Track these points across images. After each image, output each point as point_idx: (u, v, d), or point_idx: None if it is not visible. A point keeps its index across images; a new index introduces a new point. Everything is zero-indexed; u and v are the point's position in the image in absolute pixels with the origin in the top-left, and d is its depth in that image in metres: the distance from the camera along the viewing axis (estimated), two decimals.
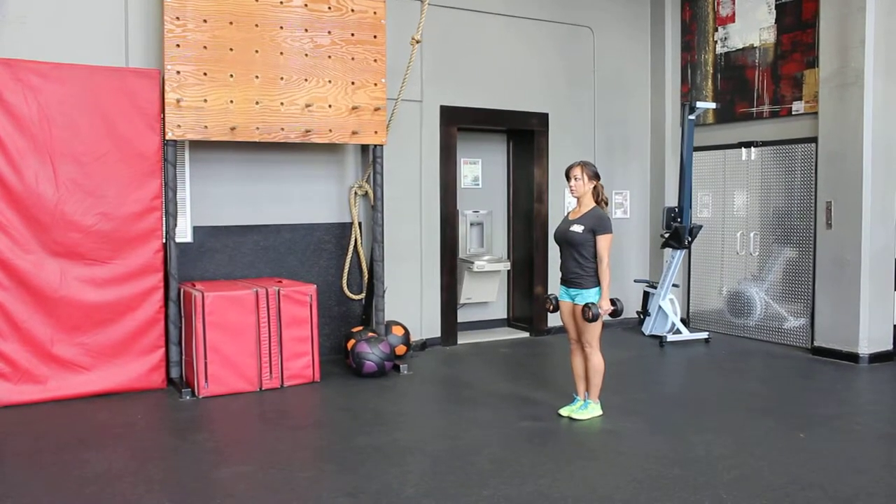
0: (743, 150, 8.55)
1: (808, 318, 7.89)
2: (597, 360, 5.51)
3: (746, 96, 8.51)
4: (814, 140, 7.75)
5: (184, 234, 6.76)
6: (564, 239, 5.47)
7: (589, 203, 5.47)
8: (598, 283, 5.37)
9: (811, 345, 7.75)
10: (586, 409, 5.56)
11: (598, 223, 5.36)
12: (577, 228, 5.38)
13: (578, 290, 5.41)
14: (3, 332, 5.86)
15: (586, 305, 5.28)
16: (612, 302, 5.38)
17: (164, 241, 6.37)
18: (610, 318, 5.50)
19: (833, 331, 7.50)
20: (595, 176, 5.47)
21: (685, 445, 4.95)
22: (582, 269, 5.38)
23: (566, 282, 5.51)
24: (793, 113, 8.03)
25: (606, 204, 5.56)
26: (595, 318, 5.26)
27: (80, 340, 6.09)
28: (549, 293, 5.53)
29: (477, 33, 8.27)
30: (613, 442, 5.03)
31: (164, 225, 6.37)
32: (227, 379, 6.16)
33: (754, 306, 8.42)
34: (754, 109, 8.43)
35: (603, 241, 5.33)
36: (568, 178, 5.51)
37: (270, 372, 6.33)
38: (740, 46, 8.57)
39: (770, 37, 8.24)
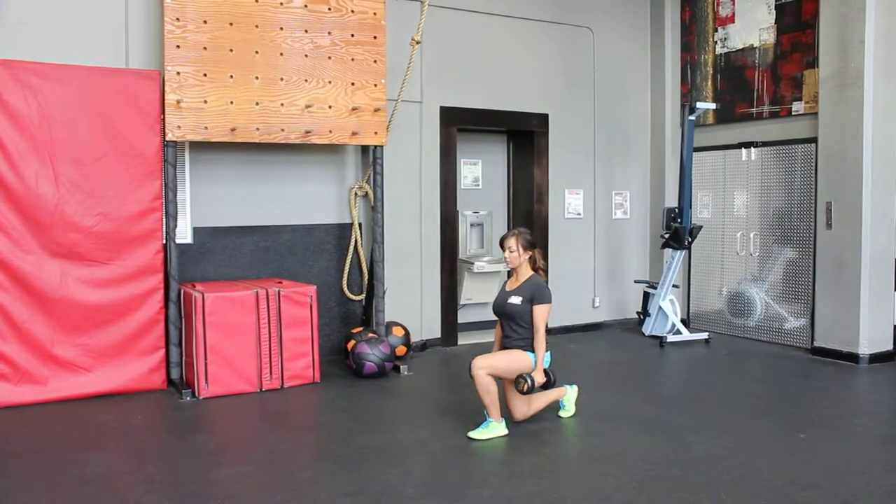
0: (743, 150, 8.55)
1: (808, 318, 7.89)
2: (538, 406, 5.48)
3: (746, 97, 8.51)
4: (814, 140, 7.75)
5: (184, 234, 6.76)
6: (503, 312, 5.35)
7: (526, 273, 5.36)
8: (532, 350, 5.22)
9: (811, 345, 7.75)
10: (486, 428, 5.19)
11: (535, 293, 5.24)
12: (516, 300, 5.27)
13: None
14: (3, 333, 5.87)
15: (521, 377, 5.11)
16: (546, 374, 5.21)
17: (164, 241, 6.38)
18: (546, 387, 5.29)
19: (833, 331, 7.50)
20: (530, 245, 5.35)
21: (685, 446, 4.95)
22: (521, 339, 5.28)
23: (504, 348, 5.41)
24: (793, 113, 8.03)
25: (545, 272, 5.48)
26: (531, 391, 5.10)
27: (80, 341, 6.09)
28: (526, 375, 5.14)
29: (477, 34, 8.28)
30: (613, 442, 5.03)
31: (164, 226, 6.37)
32: (228, 380, 6.16)
33: (754, 307, 8.42)
34: (754, 110, 8.43)
35: (540, 312, 5.21)
36: (502, 248, 5.39)
37: (270, 373, 6.33)
38: (740, 47, 8.57)
39: (770, 37, 8.24)
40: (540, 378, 5.15)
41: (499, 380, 5.25)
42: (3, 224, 5.85)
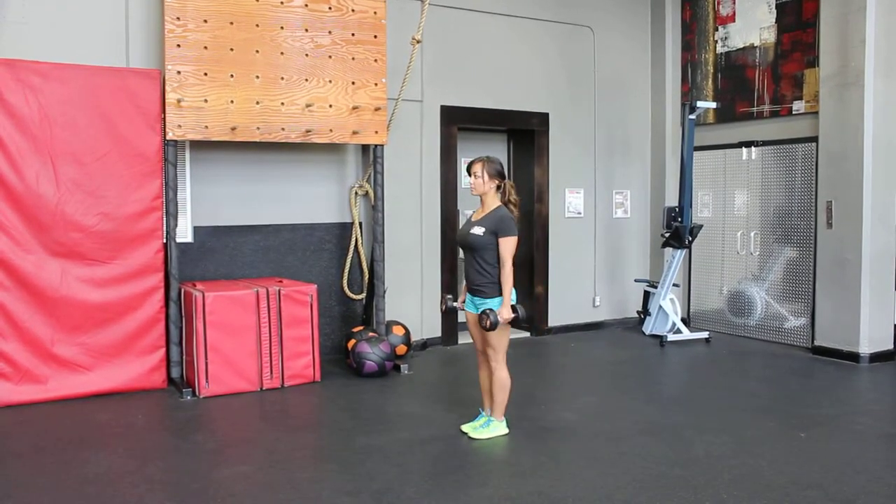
0: (743, 149, 8.55)
1: (808, 317, 7.89)
2: (502, 376, 5.07)
3: (747, 96, 8.51)
4: (814, 140, 7.75)
5: (184, 234, 6.76)
6: (465, 243, 5.04)
7: (492, 203, 5.01)
8: (500, 293, 4.92)
9: (812, 344, 7.75)
10: (487, 428, 5.11)
11: (499, 224, 4.89)
12: (478, 231, 4.93)
13: (483, 300, 4.97)
14: (3, 332, 5.87)
15: (483, 312, 4.85)
16: (514, 309, 4.89)
17: (164, 241, 6.38)
18: (525, 326, 5.08)
19: (833, 330, 7.50)
20: (498, 174, 5.00)
21: (686, 445, 4.95)
22: (484, 276, 4.93)
23: (471, 290, 5.07)
24: (793, 112, 8.02)
25: (517, 206, 5.05)
26: (493, 327, 4.80)
27: (81, 340, 6.09)
28: (447, 294, 5.07)
29: (477, 33, 8.27)
30: (614, 442, 5.03)
31: (164, 225, 6.38)
32: (228, 379, 6.16)
33: (755, 306, 8.42)
34: (755, 109, 8.43)
35: (505, 244, 4.87)
36: (468, 173, 5.07)
37: (271, 372, 6.33)
38: (741, 46, 8.57)
39: (770, 36, 8.24)
40: (507, 314, 4.84)
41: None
42: (3, 224, 5.85)
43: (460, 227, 5.17)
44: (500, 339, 5.00)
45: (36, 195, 5.93)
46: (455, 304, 5.24)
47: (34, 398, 5.90)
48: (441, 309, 5.19)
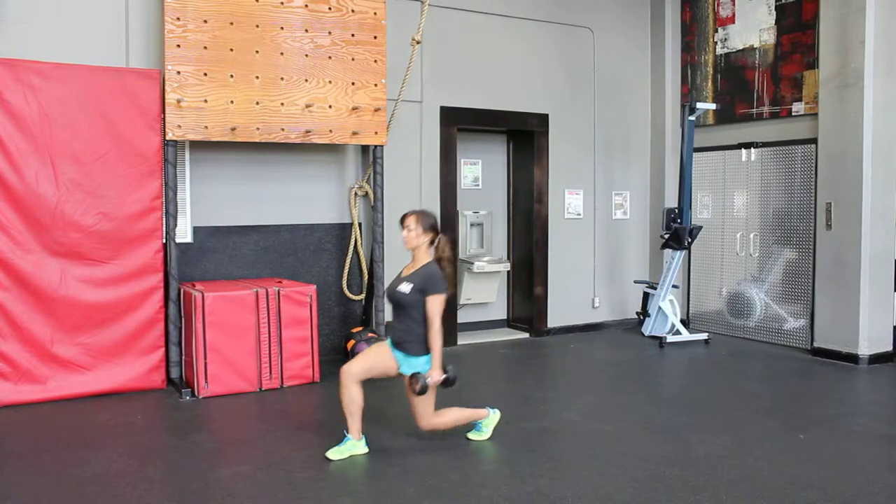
0: (743, 150, 8.55)
1: (807, 319, 7.89)
2: (445, 422, 4.89)
3: (746, 97, 8.51)
4: (814, 141, 7.75)
5: (184, 234, 6.76)
6: (392, 299, 4.84)
7: (423, 258, 4.79)
8: (427, 350, 4.70)
9: (811, 346, 7.75)
10: (480, 432, 5.05)
11: (427, 281, 4.67)
12: (405, 288, 4.71)
13: (406, 356, 4.76)
14: (3, 332, 5.86)
15: (413, 376, 4.62)
16: (444, 370, 4.70)
17: (164, 241, 6.38)
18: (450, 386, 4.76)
19: (833, 332, 7.50)
20: (432, 228, 4.78)
21: (685, 446, 4.95)
22: (410, 333, 4.72)
23: (395, 343, 4.83)
24: (793, 114, 8.03)
25: (450, 263, 4.82)
26: (423, 391, 4.60)
27: (81, 340, 6.09)
28: (417, 374, 4.68)
29: (477, 34, 8.28)
30: (613, 442, 5.03)
31: (164, 225, 6.37)
32: (227, 379, 6.16)
33: (754, 307, 8.42)
34: (754, 110, 8.44)
35: (433, 303, 4.63)
36: (401, 225, 4.85)
37: (270, 372, 6.33)
38: (740, 47, 8.58)
39: (770, 38, 8.25)
40: (437, 376, 4.65)
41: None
42: (3, 223, 5.84)
43: (391, 281, 4.99)
44: (427, 404, 4.78)
45: (35, 195, 5.93)
46: (429, 380, 4.70)
47: (34, 398, 5.90)
48: (416, 390, 4.65)
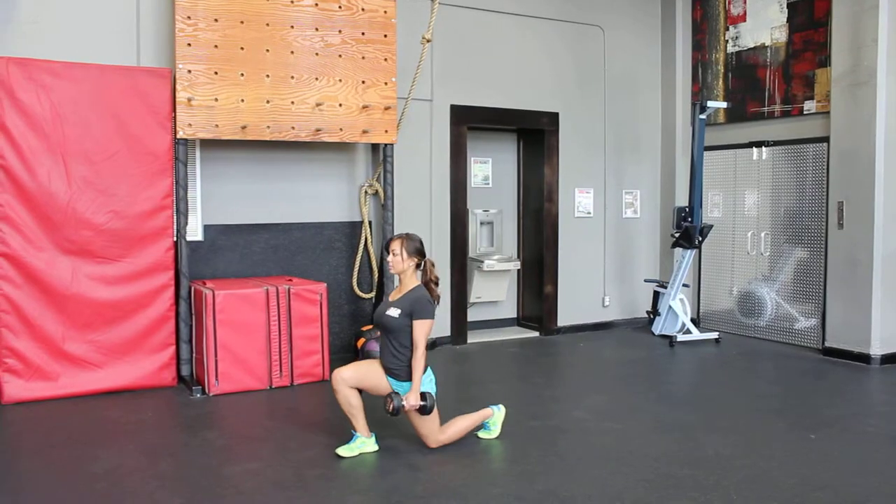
0: (754, 149, 8.52)
1: (819, 318, 7.85)
2: (451, 437, 4.87)
3: (757, 95, 8.48)
4: (825, 140, 7.71)
5: (195, 232, 6.78)
6: (380, 324, 4.82)
7: (411, 283, 4.80)
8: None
9: (822, 345, 7.72)
10: (489, 431, 5.05)
11: (415, 306, 4.66)
12: (393, 313, 4.70)
13: (395, 381, 4.75)
14: (15, 330, 5.90)
15: (388, 396, 4.58)
16: (423, 397, 4.62)
17: (174, 239, 6.40)
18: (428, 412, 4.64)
19: (844, 331, 7.46)
20: (418, 252, 4.80)
21: (695, 445, 4.93)
22: (398, 359, 4.71)
23: (386, 370, 4.80)
24: (804, 112, 7.99)
25: (436, 284, 4.83)
26: (396, 413, 4.54)
27: (92, 338, 6.12)
28: (394, 393, 4.66)
29: (487, 32, 8.27)
30: (623, 442, 5.02)
31: (175, 223, 6.40)
32: (238, 377, 6.18)
33: (765, 306, 8.39)
34: (765, 109, 8.40)
35: (420, 328, 4.63)
36: (386, 251, 4.88)
37: (280, 370, 6.34)
38: (751, 45, 8.54)
39: (782, 36, 8.21)
40: (414, 401, 4.59)
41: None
42: (15, 221, 5.88)
43: (378, 306, 4.97)
44: (424, 425, 4.76)
45: (48, 193, 5.96)
46: (404, 403, 4.63)
47: (45, 395, 5.93)
48: (388, 410, 4.59)
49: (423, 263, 4.85)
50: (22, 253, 5.90)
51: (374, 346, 6.70)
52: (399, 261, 4.78)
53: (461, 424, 4.94)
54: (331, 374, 4.85)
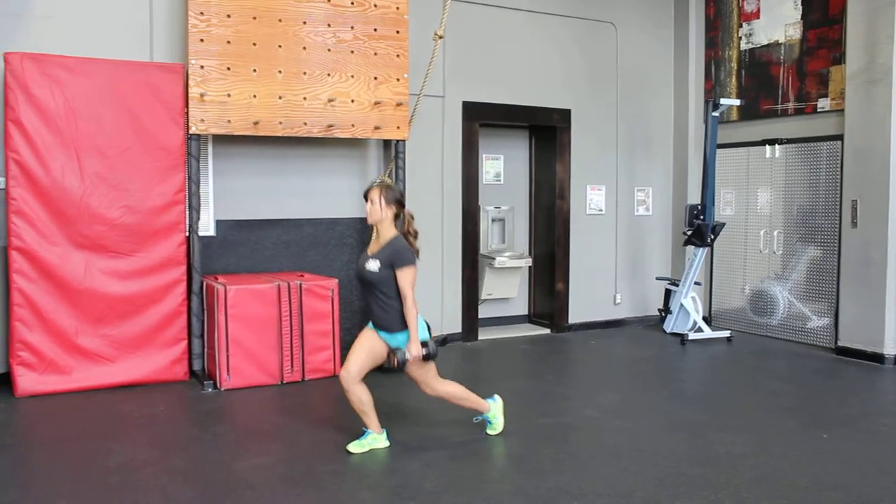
0: (767, 147, 8.48)
1: (832, 317, 7.81)
2: (449, 391, 4.84)
3: (771, 93, 8.43)
4: (839, 138, 7.66)
5: (207, 227, 6.80)
6: (361, 279, 4.70)
7: (388, 233, 4.65)
8: (404, 325, 4.60)
9: (835, 345, 7.67)
10: (492, 426, 5.00)
11: (394, 256, 4.55)
12: (373, 266, 4.58)
13: (388, 335, 4.66)
14: (29, 323, 5.94)
15: (392, 352, 4.57)
16: (423, 344, 4.60)
17: (187, 234, 6.42)
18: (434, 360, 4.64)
19: (858, 331, 7.42)
20: (396, 202, 4.65)
21: (706, 444, 4.92)
22: (386, 310, 4.60)
23: (376, 325, 4.72)
24: (818, 110, 7.94)
25: (416, 237, 4.71)
26: (401, 366, 4.52)
27: (105, 332, 6.15)
28: (395, 349, 4.64)
29: (499, 29, 8.26)
30: (634, 440, 5.01)
31: (187, 218, 6.42)
32: (249, 372, 6.20)
33: (777, 305, 8.35)
34: (779, 106, 8.35)
35: (404, 276, 4.52)
36: (365, 199, 4.71)
37: (292, 365, 6.36)
38: (765, 43, 8.49)
39: (796, 33, 8.16)
40: (416, 351, 4.55)
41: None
42: (30, 216, 5.91)
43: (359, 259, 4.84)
44: (424, 373, 4.73)
45: (61, 188, 5.99)
46: (408, 355, 4.62)
47: (58, 388, 5.97)
48: (394, 365, 4.63)
49: (401, 214, 4.72)
50: (36, 247, 5.93)
51: None
52: (377, 209, 4.63)
53: (459, 391, 4.89)
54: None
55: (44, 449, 4.83)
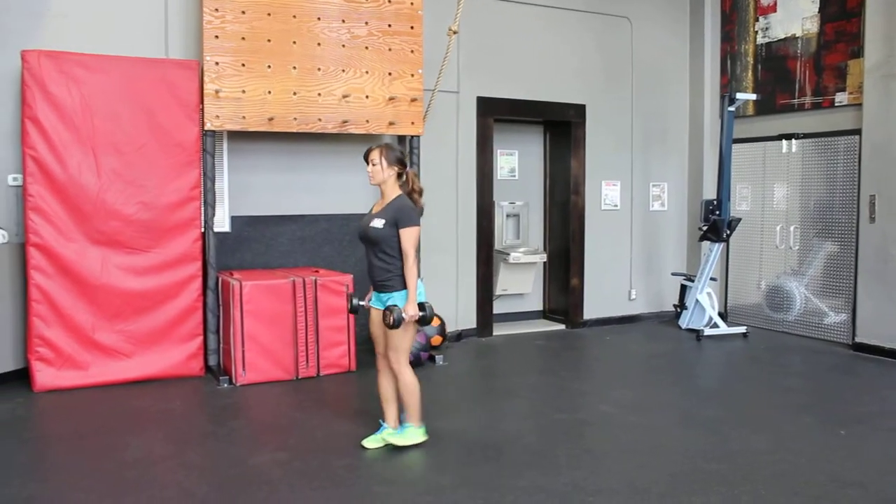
0: (784, 142, 8.41)
1: (849, 313, 7.75)
2: (407, 379, 4.66)
3: (788, 87, 8.37)
4: (857, 132, 7.60)
5: (222, 223, 6.82)
6: (365, 236, 4.64)
7: (392, 192, 4.65)
8: (404, 285, 4.56)
9: (852, 341, 7.62)
10: (403, 434, 4.73)
11: (398, 214, 4.53)
12: (377, 223, 4.56)
13: (389, 294, 4.58)
14: (46, 319, 5.98)
15: (387, 309, 4.46)
16: (421, 307, 4.55)
17: (202, 230, 6.44)
18: (432, 327, 4.57)
19: (875, 326, 7.36)
20: (398, 161, 4.63)
21: (722, 440, 4.89)
22: (388, 269, 4.56)
23: (376, 287, 4.67)
24: (836, 104, 7.88)
25: (421, 195, 4.71)
26: (396, 324, 4.42)
27: (121, 327, 6.18)
28: (351, 293, 4.71)
29: (514, 24, 8.23)
30: (650, 436, 4.99)
31: (202, 214, 6.44)
32: (264, 367, 6.22)
33: (794, 301, 8.30)
34: (796, 101, 8.29)
35: (407, 235, 4.50)
36: (366, 161, 4.69)
37: (307, 361, 6.37)
38: (782, 37, 8.43)
39: (813, 26, 8.09)
40: (413, 311, 4.50)
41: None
42: (47, 213, 5.95)
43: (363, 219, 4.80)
44: (403, 339, 4.60)
45: (78, 185, 6.02)
46: (361, 302, 4.78)
47: (76, 383, 6.01)
48: (347, 309, 4.68)
49: (404, 174, 4.70)
50: (53, 243, 5.97)
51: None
52: (378, 170, 4.62)
53: (413, 385, 4.69)
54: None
55: (62, 443, 4.87)
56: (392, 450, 4.69)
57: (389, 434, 4.74)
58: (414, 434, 4.73)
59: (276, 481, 4.20)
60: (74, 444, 4.82)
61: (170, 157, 6.29)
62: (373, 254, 4.62)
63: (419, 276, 4.66)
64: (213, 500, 3.95)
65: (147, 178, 6.23)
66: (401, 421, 4.80)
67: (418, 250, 4.64)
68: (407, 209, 4.57)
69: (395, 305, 4.48)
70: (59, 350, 6.00)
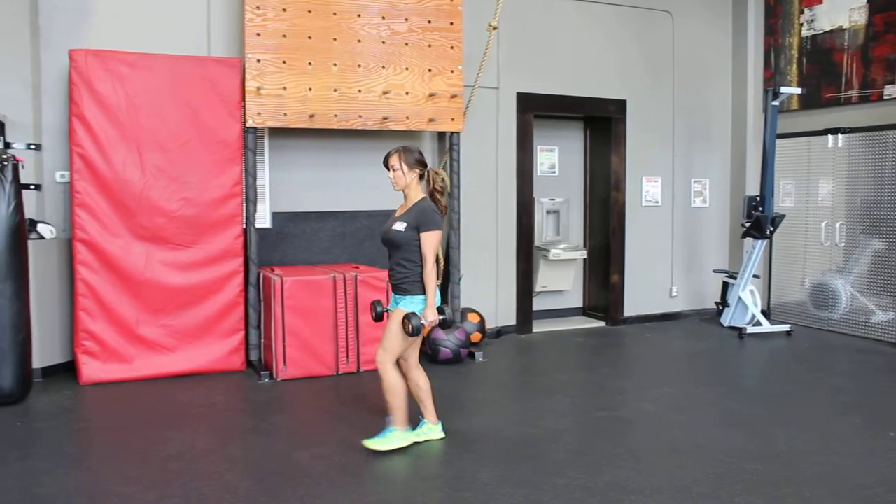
0: (829, 136, 8.25)
1: None
2: (391, 378, 4.55)
3: (834, 81, 8.21)
4: None
5: (263, 219, 6.89)
6: (387, 239, 4.63)
7: (416, 195, 4.62)
8: (423, 290, 4.52)
9: None
10: (386, 438, 4.58)
11: (420, 217, 4.50)
12: (400, 227, 4.54)
13: (402, 297, 4.56)
14: (92, 313, 6.09)
15: (406, 317, 4.41)
16: (440, 311, 4.51)
17: (244, 226, 6.51)
18: (444, 333, 4.46)
19: None
20: (418, 163, 4.60)
21: (766, 439, 4.82)
22: (407, 273, 4.53)
23: (394, 289, 4.65)
24: (884, 98, 7.71)
25: (443, 193, 4.69)
26: (416, 332, 4.39)
27: (164, 322, 6.27)
28: (376, 301, 4.82)
29: (554, 19, 8.18)
30: (691, 434, 4.93)
31: (244, 210, 6.50)
32: (305, 362, 6.26)
33: (839, 299, 8.14)
34: (842, 94, 8.13)
35: (427, 240, 4.47)
36: (386, 167, 4.66)
37: (347, 356, 6.41)
38: (828, 29, 8.26)
39: (861, 18, 7.92)
40: (432, 317, 4.46)
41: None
42: (93, 208, 6.05)
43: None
44: (398, 341, 4.54)
45: (123, 181, 6.12)
46: (386, 309, 4.79)
47: (120, 377, 6.11)
48: (372, 318, 4.76)
49: (426, 174, 4.67)
50: (99, 239, 6.07)
51: (441, 335, 6.71)
52: (400, 175, 4.60)
53: (425, 387, 4.74)
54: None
55: (108, 435, 4.95)
56: (433, 446, 4.69)
57: (421, 431, 4.73)
58: (398, 438, 4.59)
59: (317, 476, 4.22)
60: (119, 436, 4.90)
61: (212, 154, 6.36)
62: (395, 257, 4.61)
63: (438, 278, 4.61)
64: (256, 494, 3.99)
65: (190, 174, 6.30)
66: (386, 423, 4.68)
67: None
68: (429, 212, 4.55)
69: (414, 313, 4.45)
70: (104, 344, 6.10)
